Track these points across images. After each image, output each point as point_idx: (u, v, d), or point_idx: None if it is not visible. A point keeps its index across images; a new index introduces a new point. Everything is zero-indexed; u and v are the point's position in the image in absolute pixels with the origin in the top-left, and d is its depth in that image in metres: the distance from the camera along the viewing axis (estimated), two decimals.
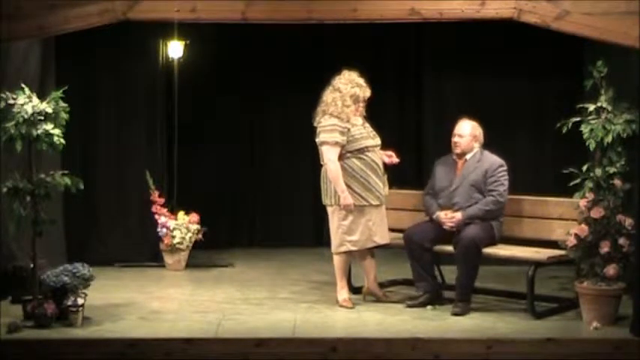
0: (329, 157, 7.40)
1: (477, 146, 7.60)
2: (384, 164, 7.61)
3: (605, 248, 6.88)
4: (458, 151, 7.61)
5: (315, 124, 7.56)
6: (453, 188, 7.53)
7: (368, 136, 7.51)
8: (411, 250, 7.48)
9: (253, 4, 7.04)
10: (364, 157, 7.45)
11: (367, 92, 7.53)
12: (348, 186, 7.38)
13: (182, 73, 9.56)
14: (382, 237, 7.54)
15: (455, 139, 7.61)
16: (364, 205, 7.43)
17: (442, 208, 7.52)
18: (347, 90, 7.47)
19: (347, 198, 7.35)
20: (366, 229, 7.47)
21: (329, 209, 7.54)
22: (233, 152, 10.30)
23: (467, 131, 7.59)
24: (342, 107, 7.43)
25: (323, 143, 7.43)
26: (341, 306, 7.51)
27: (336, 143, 7.38)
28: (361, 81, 7.53)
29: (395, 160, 7.66)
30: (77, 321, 6.87)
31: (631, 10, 6.79)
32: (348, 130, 7.42)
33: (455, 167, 7.63)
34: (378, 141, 7.57)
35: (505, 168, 7.50)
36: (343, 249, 7.51)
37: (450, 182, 7.57)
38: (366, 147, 7.46)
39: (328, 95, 7.50)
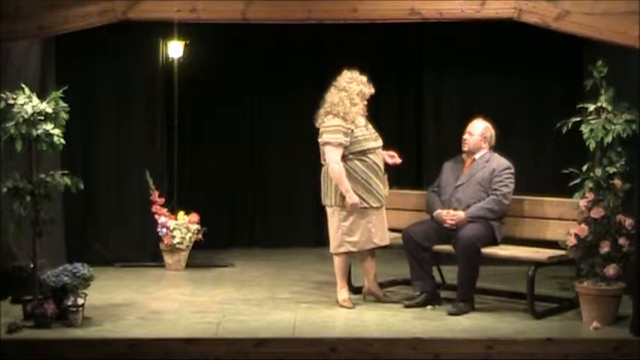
0: (332, 157, 7.38)
1: (486, 147, 7.61)
2: (385, 164, 7.61)
3: (605, 248, 6.88)
4: (465, 148, 7.64)
5: (317, 125, 7.54)
6: (457, 184, 7.54)
7: (370, 138, 7.50)
8: (410, 249, 7.48)
9: (253, 4, 7.03)
10: (366, 159, 7.44)
11: (372, 89, 7.53)
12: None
13: (182, 73, 9.56)
14: (381, 239, 7.54)
15: (465, 136, 7.65)
16: (365, 207, 7.43)
17: (444, 205, 7.53)
18: (353, 88, 7.46)
19: (352, 197, 7.33)
20: (366, 230, 7.47)
21: (328, 210, 7.54)
22: (233, 152, 10.30)
23: (478, 131, 7.61)
24: (350, 106, 7.42)
25: (326, 144, 7.41)
26: (341, 306, 7.51)
27: (340, 144, 7.37)
28: (364, 78, 7.52)
29: (397, 160, 7.66)
30: (77, 321, 6.87)
31: (631, 10, 6.79)
32: (352, 131, 7.41)
33: (462, 166, 7.66)
34: (380, 142, 7.56)
35: (512, 171, 7.50)
36: (342, 250, 7.51)
37: (456, 179, 7.59)
38: (369, 149, 7.45)
39: (334, 96, 7.48)
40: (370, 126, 7.56)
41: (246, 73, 10.08)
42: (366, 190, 7.42)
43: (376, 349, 6.46)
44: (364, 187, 7.42)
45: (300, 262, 9.52)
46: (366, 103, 7.52)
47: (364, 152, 7.43)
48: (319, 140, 7.47)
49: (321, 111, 7.52)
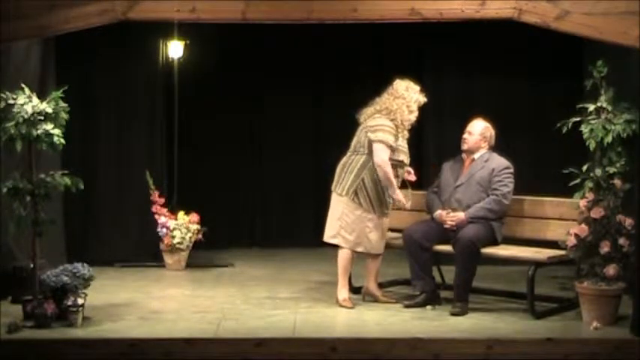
0: (383, 157, 7.39)
1: (485, 147, 7.61)
2: (403, 179, 7.64)
3: (605, 248, 6.88)
4: (465, 147, 7.64)
5: (362, 120, 7.52)
6: (456, 184, 7.55)
7: (405, 152, 7.54)
8: (410, 249, 7.49)
9: (253, 4, 7.03)
10: (394, 171, 7.46)
11: (425, 98, 7.62)
12: (366, 187, 7.41)
13: (182, 73, 9.57)
14: (373, 247, 7.54)
15: (464, 135, 7.66)
16: (369, 213, 7.44)
17: (444, 206, 7.54)
18: (410, 96, 7.54)
19: (397, 194, 7.42)
20: (363, 234, 7.48)
21: (336, 197, 7.54)
22: (233, 152, 10.30)
23: (477, 130, 7.62)
24: (408, 114, 7.49)
25: (381, 141, 7.40)
26: (341, 306, 7.50)
27: (390, 146, 7.42)
28: (418, 87, 7.60)
29: (413, 177, 7.66)
30: (77, 321, 6.87)
31: (631, 10, 6.78)
32: (397, 139, 7.46)
33: (462, 166, 7.67)
34: (409, 160, 7.60)
35: (511, 170, 7.50)
36: (334, 241, 7.55)
37: (455, 179, 7.59)
38: (400, 162, 7.51)
39: (391, 103, 7.50)
40: (405, 141, 7.59)
41: (246, 73, 10.07)
42: (378, 199, 7.45)
43: (376, 349, 6.46)
44: (378, 195, 7.45)
45: (300, 262, 9.53)
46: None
47: (395, 164, 7.45)
48: (372, 136, 7.43)
49: (371, 110, 7.53)
